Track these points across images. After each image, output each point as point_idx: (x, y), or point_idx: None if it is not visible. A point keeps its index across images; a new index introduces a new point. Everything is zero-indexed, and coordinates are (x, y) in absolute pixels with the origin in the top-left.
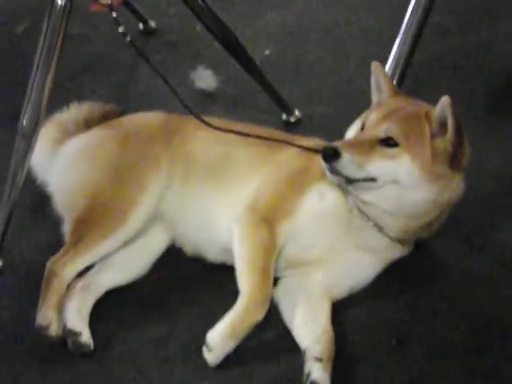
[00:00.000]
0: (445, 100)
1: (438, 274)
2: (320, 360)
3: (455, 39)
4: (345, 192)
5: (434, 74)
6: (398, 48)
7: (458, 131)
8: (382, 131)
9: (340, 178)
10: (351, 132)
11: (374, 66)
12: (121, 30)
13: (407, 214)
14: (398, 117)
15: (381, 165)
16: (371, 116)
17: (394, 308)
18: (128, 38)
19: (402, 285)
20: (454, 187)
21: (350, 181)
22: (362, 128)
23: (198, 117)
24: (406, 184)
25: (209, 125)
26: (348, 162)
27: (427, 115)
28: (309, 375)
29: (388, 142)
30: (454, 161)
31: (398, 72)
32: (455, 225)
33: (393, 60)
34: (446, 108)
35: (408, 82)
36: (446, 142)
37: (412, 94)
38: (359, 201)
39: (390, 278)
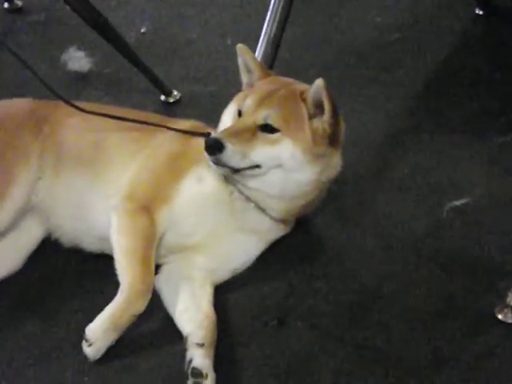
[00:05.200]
0: (319, 82)
1: (316, 251)
2: (201, 346)
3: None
4: (226, 177)
5: (310, 49)
6: (267, 26)
7: (334, 112)
8: (260, 118)
9: (225, 169)
10: (226, 117)
11: (240, 48)
12: None
13: (291, 196)
14: (275, 101)
15: (264, 151)
16: (247, 102)
17: (275, 287)
18: None
19: (283, 263)
20: (334, 164)
21: (235, 170)
22: (239, 114)
23: (63, 99)
24: (289, 167)
25: (79, 109)
26: (232, 153)
27: (302, 96)
28: (190, 362)
29: (268, 128)
30: (332, 139)
31: (270, 50)
32: (332, 199)
33: (263, 39)
34: (320, 91)
35: (282, 58)
36: (323, 122)
37: (287, 70)
38: (241, 185)
39: (271, 257)
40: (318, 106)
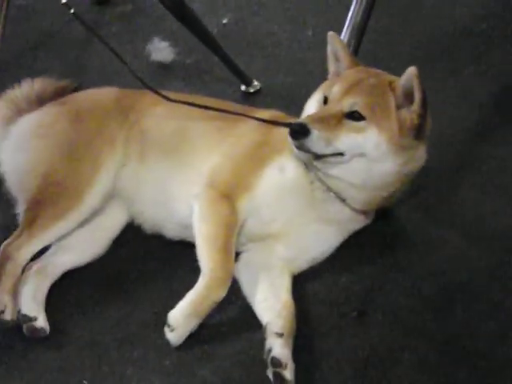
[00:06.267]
0: (411, 71)
1: (398, 243)
2: (281, 335)
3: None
4: (307, 166)
5: (392, 40)
6: (352, 15)
7: (424, 102)
8: (347, 105)
9: (307, 155)
10: (311, 105)
11: (330, 36)
12: (64, 0)
13: (373, 186)
14: (363, 89)
15: (348, 139)
16: (334, 89)
17: (355, 279)
18: (71, 10)
19: (363, 255)
20: (418, 157)
21: (317, 156)
22: (325, 101)
23: (152, 90)
24: (373, 157)
25: (164, 97)
26: (317, 139)
27: (391, 86)
28: (270, 351)
29: (354, 116)
30: (418, 131)
31: (353, 39)
32: (415, 192)
33: (348, 27)
34: (412, 79)
35: (365, 48)
36: (411, 112)
37: (369, 60)
38: (322, 174)
39: (351, 248)
40: (408, 96)
